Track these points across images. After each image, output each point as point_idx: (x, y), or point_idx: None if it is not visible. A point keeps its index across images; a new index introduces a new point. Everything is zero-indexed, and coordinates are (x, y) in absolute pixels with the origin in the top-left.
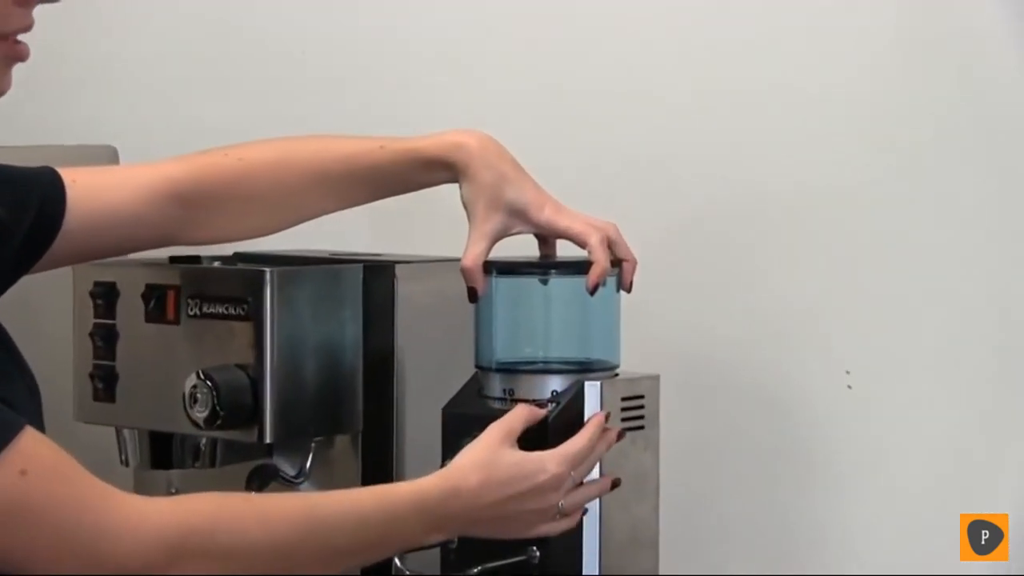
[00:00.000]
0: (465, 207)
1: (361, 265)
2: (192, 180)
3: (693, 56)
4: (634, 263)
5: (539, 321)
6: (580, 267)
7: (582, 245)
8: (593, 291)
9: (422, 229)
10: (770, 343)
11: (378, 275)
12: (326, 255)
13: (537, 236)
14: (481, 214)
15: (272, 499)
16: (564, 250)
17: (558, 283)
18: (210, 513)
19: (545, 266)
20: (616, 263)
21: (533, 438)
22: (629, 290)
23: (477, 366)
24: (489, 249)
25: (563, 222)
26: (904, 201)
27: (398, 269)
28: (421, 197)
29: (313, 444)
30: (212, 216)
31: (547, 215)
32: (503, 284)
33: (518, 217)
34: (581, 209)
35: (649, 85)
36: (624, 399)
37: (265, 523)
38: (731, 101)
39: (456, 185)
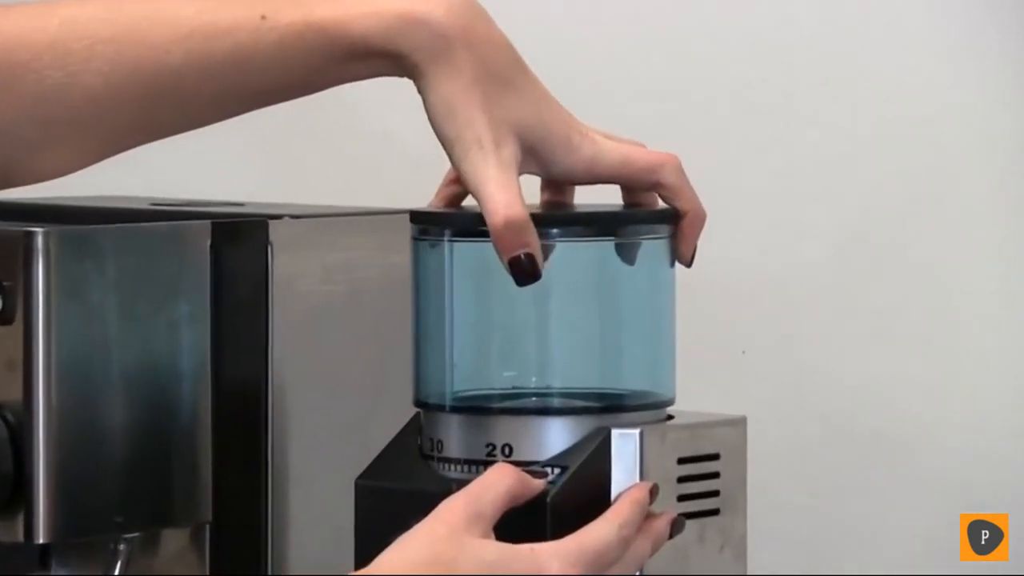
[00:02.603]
0: (439, 126)
1: (208, 222)
2: None
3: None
4: (702, 216)
5: (532, 324)
6: (618, 221)
7: (650, 186)
8: (691, 260)
9: (321, 159)
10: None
11: (239, 239)
12: (145, 206)
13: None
14: (489, 136)
15: None
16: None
17: (571, 251)
18: None
19: (575, 221)
20: (670, 217)
21: (521, 528)
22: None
23: (418, 403)
24: None
25: (615, 154)
26: None
27: (274, 229)
28: (326, 102)
29: (123, 546)
30: None
31: (587, 152)
32: (465, 255)
33: (530, 153)
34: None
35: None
36: (683, 460)
37: None
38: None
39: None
